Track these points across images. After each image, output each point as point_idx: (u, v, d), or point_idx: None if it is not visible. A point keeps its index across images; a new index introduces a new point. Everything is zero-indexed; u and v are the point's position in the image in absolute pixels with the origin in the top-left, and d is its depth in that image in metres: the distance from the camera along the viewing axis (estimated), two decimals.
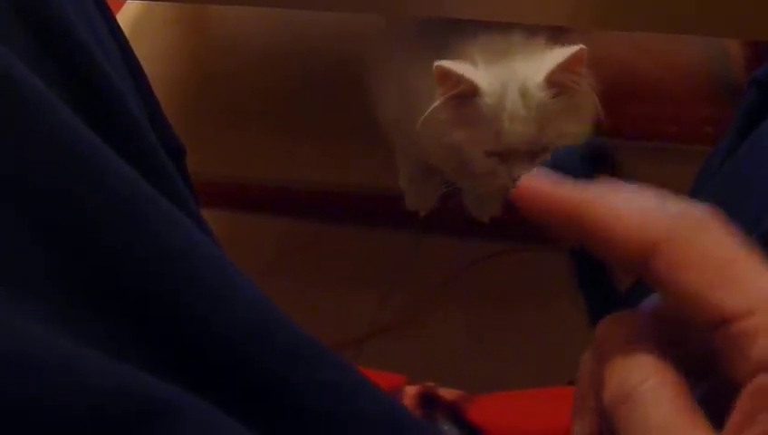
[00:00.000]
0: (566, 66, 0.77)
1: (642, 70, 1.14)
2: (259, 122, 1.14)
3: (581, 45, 0.77)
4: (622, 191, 0.29)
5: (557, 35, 0.83)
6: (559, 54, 0.78)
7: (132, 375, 0.32)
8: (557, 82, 0.77)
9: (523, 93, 0.77)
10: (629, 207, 0.29)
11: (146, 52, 0.58)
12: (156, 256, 0.35)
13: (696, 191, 0.54)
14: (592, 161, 0.32)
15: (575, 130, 0.81)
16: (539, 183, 0.31)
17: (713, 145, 0.53)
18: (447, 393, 0.55)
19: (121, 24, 0.50)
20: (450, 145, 0.82)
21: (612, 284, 0.33)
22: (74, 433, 0.30)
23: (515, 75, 0.78)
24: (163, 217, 0.37)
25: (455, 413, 0.54)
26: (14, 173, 0.34)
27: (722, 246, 0.27)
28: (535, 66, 0.79)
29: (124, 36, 0.49)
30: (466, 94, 0.78)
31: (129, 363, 0.33)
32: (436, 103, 0.79)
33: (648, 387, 0.28)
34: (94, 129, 0.37)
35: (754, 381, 0.26)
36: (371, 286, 1.13)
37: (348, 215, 1.17)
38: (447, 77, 0.78)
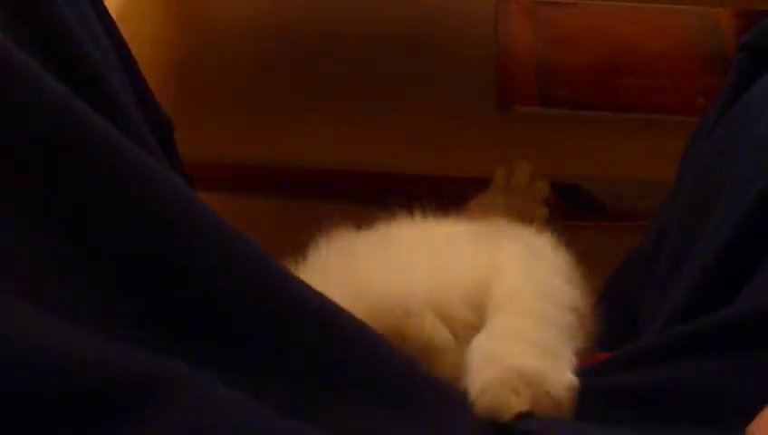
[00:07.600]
0: None
1: (634, 41, 1.13)
2: (251, 101, 1.13)
3: None
4: None
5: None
6: None
7: (127, 352, 0.33)
8: None
9: None
10: None
11: (134, 32, 0.58)
12: (150, 212, 0.36)
13: (688, 157, 0.54)
14: None
15: None
16: None
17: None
18: None
19: (108, 6, 0.50)
20: None
21: None
22: (71, 411, 0.31)
23: None
24: (154, 179, 0.37)
25: None
26: (14, 152, 0.35)
27: None
28: None
29: (111, 18, 0.49)
30: None
31: (127, 326, 0.33)
32: None
33: None
34: None
35: None
36: None
37: (345, 193, 1.17)
38: None
